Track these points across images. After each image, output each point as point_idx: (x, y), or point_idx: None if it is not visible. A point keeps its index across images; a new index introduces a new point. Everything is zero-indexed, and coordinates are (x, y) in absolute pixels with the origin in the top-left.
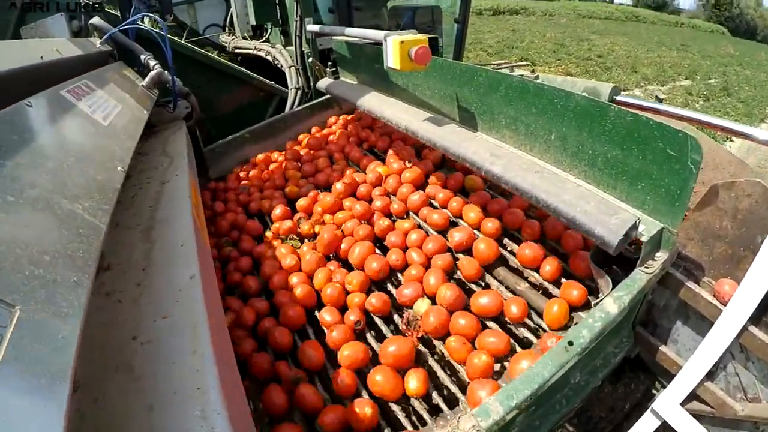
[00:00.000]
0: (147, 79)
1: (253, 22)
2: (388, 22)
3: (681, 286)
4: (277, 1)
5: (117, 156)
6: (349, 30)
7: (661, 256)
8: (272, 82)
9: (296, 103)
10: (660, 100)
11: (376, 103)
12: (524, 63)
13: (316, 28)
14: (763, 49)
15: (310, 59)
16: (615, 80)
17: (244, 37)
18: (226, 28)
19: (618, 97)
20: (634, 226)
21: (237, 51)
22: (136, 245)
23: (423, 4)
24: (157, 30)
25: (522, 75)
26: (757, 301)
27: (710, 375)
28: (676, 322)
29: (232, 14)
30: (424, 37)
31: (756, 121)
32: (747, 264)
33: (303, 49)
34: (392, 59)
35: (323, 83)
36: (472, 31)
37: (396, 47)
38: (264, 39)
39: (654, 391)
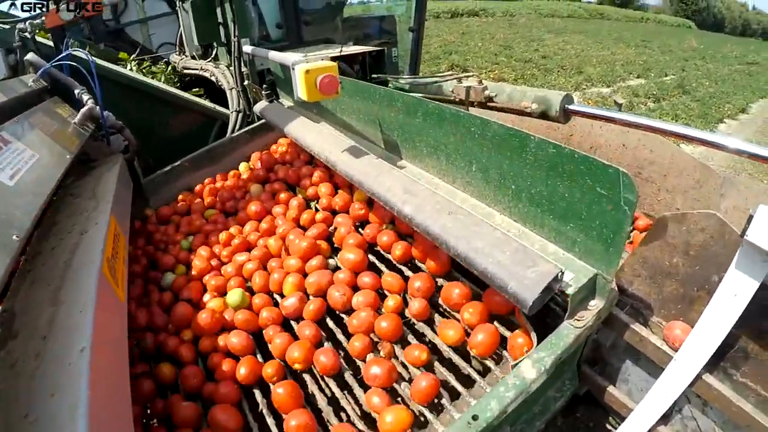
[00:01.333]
0: (79, 115)
1: (196, 42)
2: (344, 34)
3: (626, 329)
4: (220, 20)
5: (15, 222)
6: (271, 54)
7: (596, 304)
8: (214, 106)
9: (237, 126)
10: (619, 106)
11: (301, 129)
12: (471, 74)
13: (249, 49)
14: (729, 40)
15: (247, 81)
16: (552, 83)
17: (192, 57)
18: (177, 47)
19: (571, 106)
20: (556, 279)
21: (185, 71)
22: (44, 308)
23: (377, 13)
24: (94, 59)
25: (469, 87)
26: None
27: (665, 418)
28: (626, 362)
29: (181, 33)
30: (332, 63)
31: (712, 123)
32: (701, 305)
33: (242, 70)
34: (300, 90)
35: (259, 107)
36: None
37: (302, 77)
38: (210, 58)
39: (609, 427)
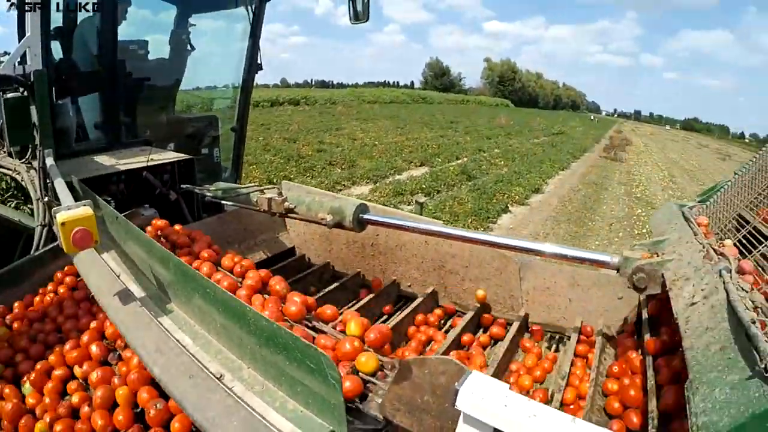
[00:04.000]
0: None
1: (7, 143)
2: (165, 136)
3: None
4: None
5: None
6: (56, 183)
7: None
8: (18, 217)
9: (42, 242)
10: (420, 205)
11: (87, 261)
12: (272, 186)
13: (50, 161)
14: (540, 114)
15: (46, 197)
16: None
17: (10, 154)
18: None
19: (366, 216)
20: None
21: (1, 170)
22: None
23: (200, 114)
24: None
25: (270, 198)
26: None
27: None
28: None
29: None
30: (89, 213)
31: (489, 219)
32: None
33: (47, 182)
34: (61, 241)
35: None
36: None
37: (60, 229)
38: (25, 159)
39: None
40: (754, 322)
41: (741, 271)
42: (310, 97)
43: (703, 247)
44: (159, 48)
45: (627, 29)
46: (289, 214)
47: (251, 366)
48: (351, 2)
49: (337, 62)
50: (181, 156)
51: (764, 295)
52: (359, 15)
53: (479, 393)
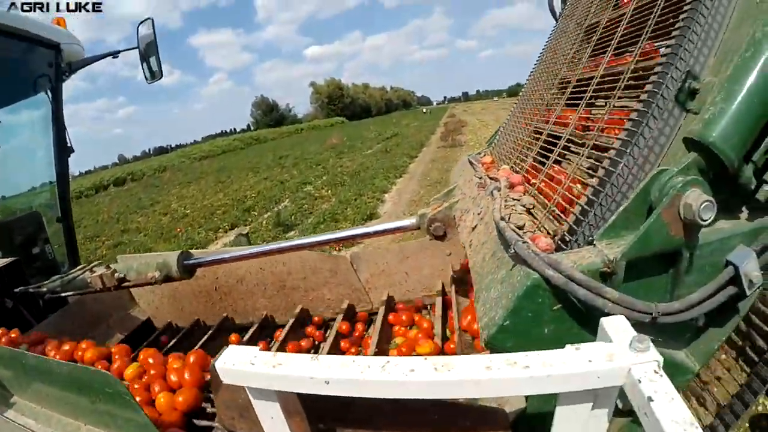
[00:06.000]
0: None
1: None
2: None
3: None
4: None
5: None
6: None
7: None
8: None
9: None
10: (245, 236)
11: None
12: (98, 262)
13: None
14: (374, 122)
15: None
16: None
17: None
18: None
19: (189, 261)
20: None
21: None
22: None
23: (18, 214)
24: None
25: (101, 275)
26: None
27: None
28: None
29: None
30: None
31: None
32: None
33: None
34: None
35: None
36: None
37: None
38: None
39: None
40: (503, 219)
41: (512, 186)
42: (136, 171)
43: (480, 179)
44: None
45: (438, 22)
46: (122, 285)
47: (86, 422)
48: (144, 63)
49: (172, 124)
50: (5, 260)
51: (538, 189)
52: (155, 74)
53: (230, 361)
